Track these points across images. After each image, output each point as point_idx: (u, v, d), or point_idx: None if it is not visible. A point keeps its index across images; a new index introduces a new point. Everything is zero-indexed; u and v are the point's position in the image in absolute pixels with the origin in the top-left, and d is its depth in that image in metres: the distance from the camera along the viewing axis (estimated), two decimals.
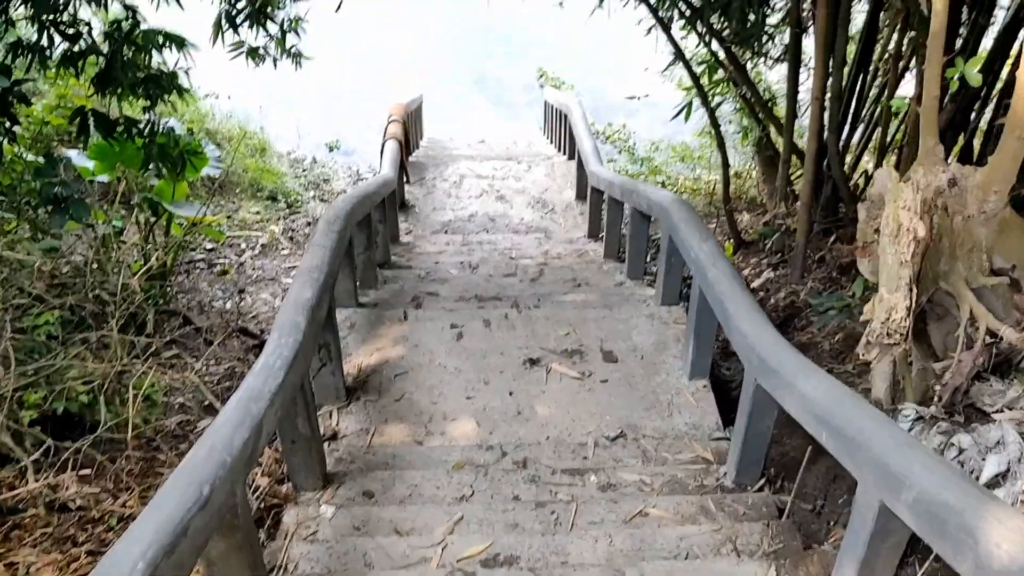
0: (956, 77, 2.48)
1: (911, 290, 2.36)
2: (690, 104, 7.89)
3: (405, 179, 8.68)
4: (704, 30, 6.35)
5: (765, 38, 5.57)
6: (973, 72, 2.46)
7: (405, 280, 5.82)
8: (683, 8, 6.40)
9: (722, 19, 5.86)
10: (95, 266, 4.75)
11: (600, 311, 4.67)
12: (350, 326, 4.56)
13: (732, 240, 7.56)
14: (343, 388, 3.94)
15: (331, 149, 12.44)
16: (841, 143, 5.90)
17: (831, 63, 5.12)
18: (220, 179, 9.53)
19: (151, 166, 4.99)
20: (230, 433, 2.13)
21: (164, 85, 4.80)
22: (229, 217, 8.80)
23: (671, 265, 4.57)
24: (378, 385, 4.08)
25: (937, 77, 2.49)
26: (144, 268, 4.96)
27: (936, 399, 2.46)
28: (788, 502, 3.10)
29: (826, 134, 5.48)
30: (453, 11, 16.25)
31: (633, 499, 3.17)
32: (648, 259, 6.24)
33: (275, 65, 6.38)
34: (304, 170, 11.57)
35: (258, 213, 8.88)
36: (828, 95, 5.25)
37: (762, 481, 3.31)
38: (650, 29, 6.86)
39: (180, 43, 4.94)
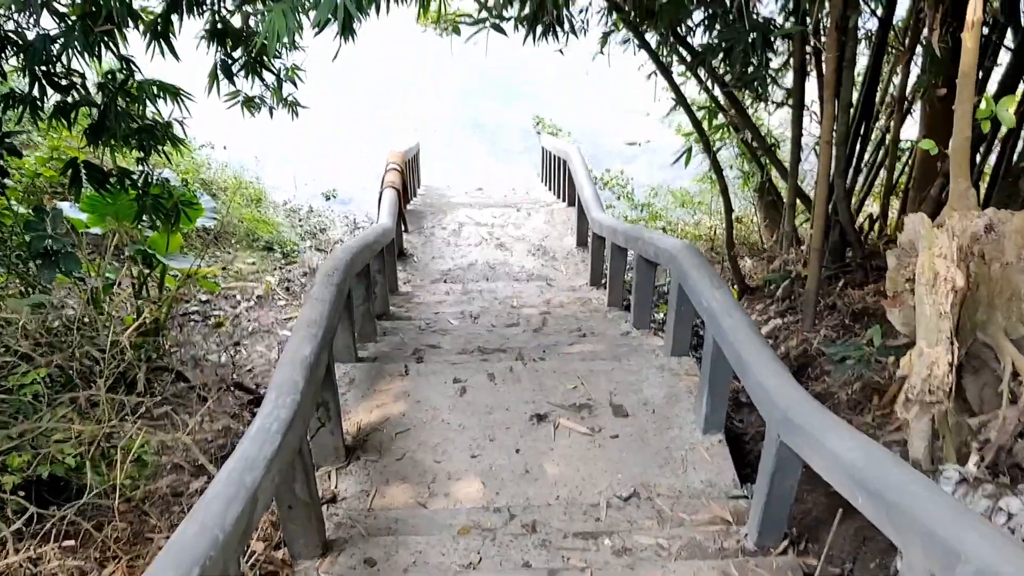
0: (987, 118, 2.38)
1: (952, 344, 2.22)
2: (690, 149, 7.83)
3: (403, 228, 8.58)
4: (706, 75, 6.31)
5: (768, 82, 5.50)
6: (1007, 112, 2.35)
7: (405, 332, 5.67)
8: (684, 54, 6.36)
9: (724, 63, 5.80)
10: (85, 320, 4.60)
11: (608, 363, 4.52)
12: (349, 382, 4.40)
13: (736, 286, 7.45)
14: (343, 447, 3.76)
15: (328, 198, 12.37)
16: (846, 187, 5.82)
17: (837, 106, 5.05)
18: (216, 230, 9.49)
19: (145, 218, 4.87)
20: (222, 508, 1.97)
21: (158, 136, 4.72)
22: (224, 268, 8.67)
23: (681, 314, 4.43)
24: (379, 444, 3.90)
25: (968, 116, 2.38)
26: (136, 323, 4.81)
27: (978, 459, 2.31)
28: (816, 567, 2.93)
29: (832, 177, 5.40)
30: (450, 58, 16.31)
31: (650, 564, 2.99)
32: (653, 307, 6.11)
33: (271, 115, 6.30)
34: (300, 220, 11.49)
35: (254, 264, 8.75)
36: (835, 138, 5.17)
37: (785, 543, 3.13)
38: (651, 75, 6.82)
39: (175, 93, 4.86)
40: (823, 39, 5.42)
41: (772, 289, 6.20)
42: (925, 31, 5.07)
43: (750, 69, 5.66)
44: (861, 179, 6.55)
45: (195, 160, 11.00)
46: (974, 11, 2.53)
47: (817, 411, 2.55)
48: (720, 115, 7.09)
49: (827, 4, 4.79)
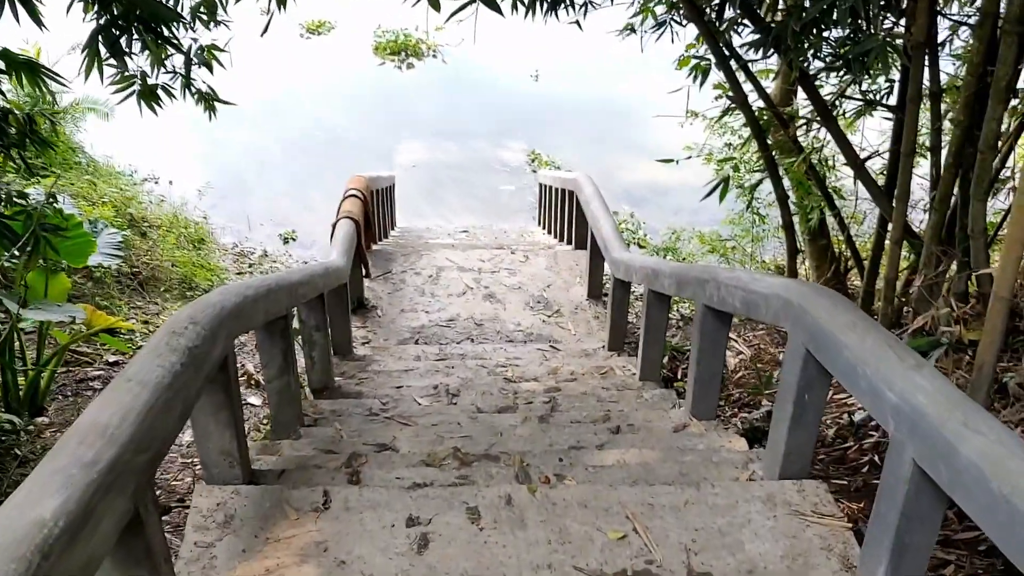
0: None
1: None
2: (726, 180, 6.04)
3: (365, 271, 6.71)
4: (784, 60, 4.55)
5: (888, 55, 3.71)
6: None
7: (348, 420, 3.78)
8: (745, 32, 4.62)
9: (812, 36, 4.04)
10: None
11: (674, 490, 2.59)
12: (223, 523, 2.47)
13: None
14: None
15: (286, 240, 10.56)
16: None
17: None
18: (142, 275, 7.71)
19: None
20: None
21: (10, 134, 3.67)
22: (147, 322, 6.84)
23: (805, 407, 2.55)
24: None
25: None
26: None
27: None
28: None
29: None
30: (433, 98, 14.74)
31: None
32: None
33: (181, 96, 4.63)
34: (251, 265, 9.67)
35: None
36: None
37: None
38: (694, 69, 5.09)
39: (29, 69, 3.55)
40: None
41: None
42: None
43: (856, 41, 3.91)
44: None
45: (124, 192, 9.17)
46: None
47: None
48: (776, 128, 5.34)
49: None
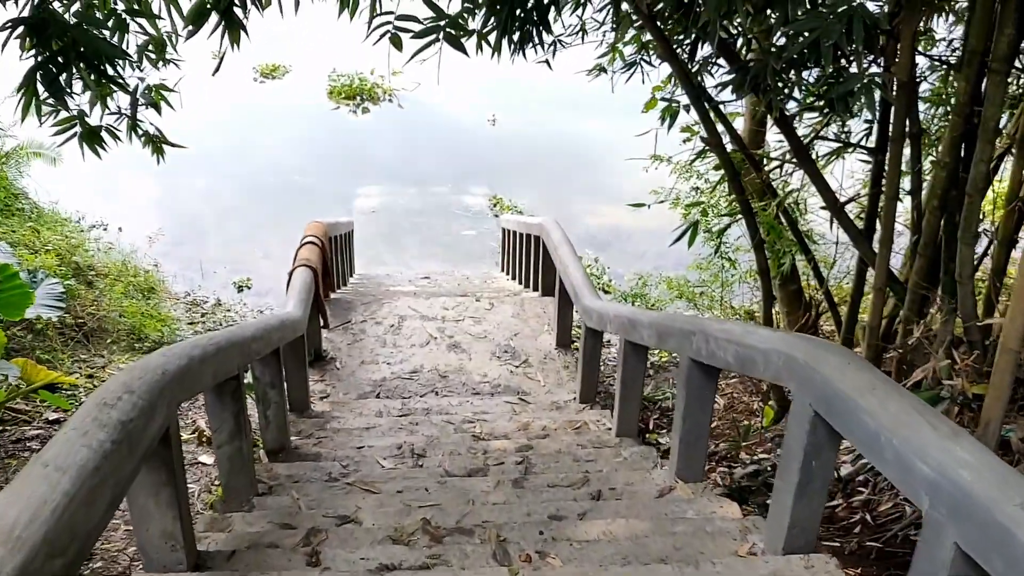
0: None
1: None
2: (696, 224, 5.86)
3: (323, 322, 6.40)
4: (751, 103, 4.42)
5: (873, 90, 3.57)
6: None
7: (305, 486, 3.47)
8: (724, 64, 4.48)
9: (793, 73, 3.90)
10: None
11: (675, 571, 2.33)
12: None
13: (774, 404, 5.48)
14: None
15: (240, 289, 10.20)
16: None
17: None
18: (87, 326, 7.33)
19: None
20: None
21: None
22: (91, 376, 6.46)
23: (811, 474, 2.32)
24: None
25: None
26: None
27: None
28: None
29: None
30: (391, 142, 14.54)
31: None
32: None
33: (127, 138, 4.37)
34: (204, 314, 9.28)
35: None
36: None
37: None
38: (665, 111, 4.94)
39: None
40: None
41: None
42: None
43: (840, 80, 3.78)
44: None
45: (69, 239, 8.77)
46: None
47: None
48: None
49: None
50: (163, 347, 2.41)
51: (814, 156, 5.26)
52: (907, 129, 4.01)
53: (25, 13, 3.37)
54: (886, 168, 4.34)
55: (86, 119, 3.87)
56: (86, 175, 11.36)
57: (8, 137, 9.55)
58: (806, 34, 3.36)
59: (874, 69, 4.05)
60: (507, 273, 9.91)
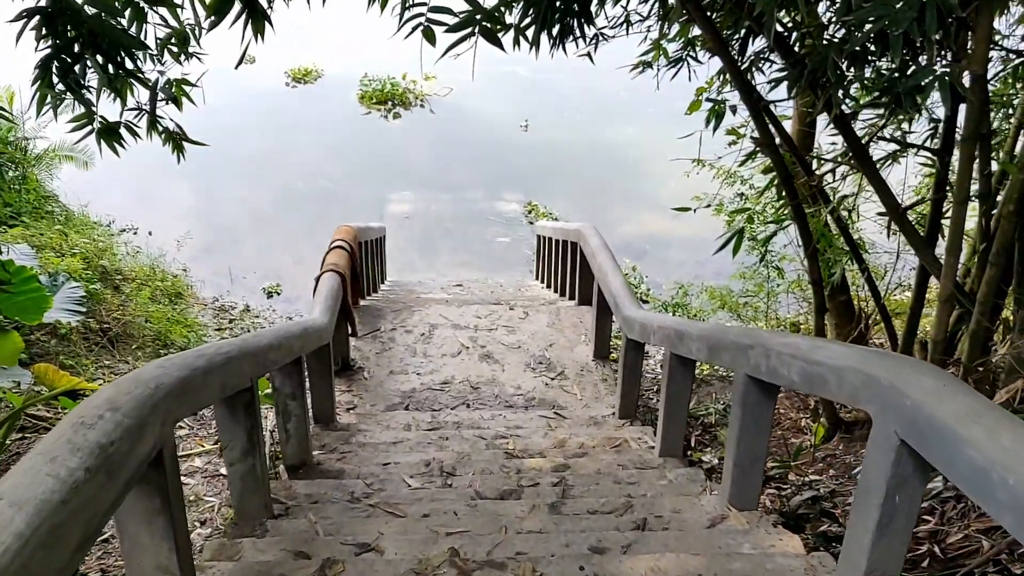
0: None
1: None
2: (740, 232, 5.56)
3: (351, 329, 6.17)
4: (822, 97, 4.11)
5: (947, 82, 3.26)
6: None
7: (324, 508, 3.23)
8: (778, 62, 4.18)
9: (859, 65, 3.59)
10: None
11: None
12: None
13: (825, 421, 5.17)
14: None
15: (269, 295, 10.04)
16: None
17: None
18: (112, 331, 7.18)
19: None
20: None
21: None
22: None
23: (894, 511, 2.02)
24: None
25: None
26: None
27: None
28: None
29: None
30: (424, 147, 14.34)
31: None
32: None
33: (147, 135, 4.18)
34: (231, 320, 9.12)
35: None
36: None
37: None
38: (712, 110, 4.65)
39: None
40: None
41: None
42: None
43: (906, 74, 3.47)
44: None
45: (97, 243, 8.64)
46: None
47: None
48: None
49: None
50: (157, 360, 2.16)
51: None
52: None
53: (42, 2, 3.19)
54: (952, 171, 4.03)
55: (99, 115, 3.68)
56: (122, 181, 11.33)
57: (40, 138, 9.47)
58: (870, 24, 3.08)
59: (941, 63, 3.74)
60: (542, 281, 9.64)
